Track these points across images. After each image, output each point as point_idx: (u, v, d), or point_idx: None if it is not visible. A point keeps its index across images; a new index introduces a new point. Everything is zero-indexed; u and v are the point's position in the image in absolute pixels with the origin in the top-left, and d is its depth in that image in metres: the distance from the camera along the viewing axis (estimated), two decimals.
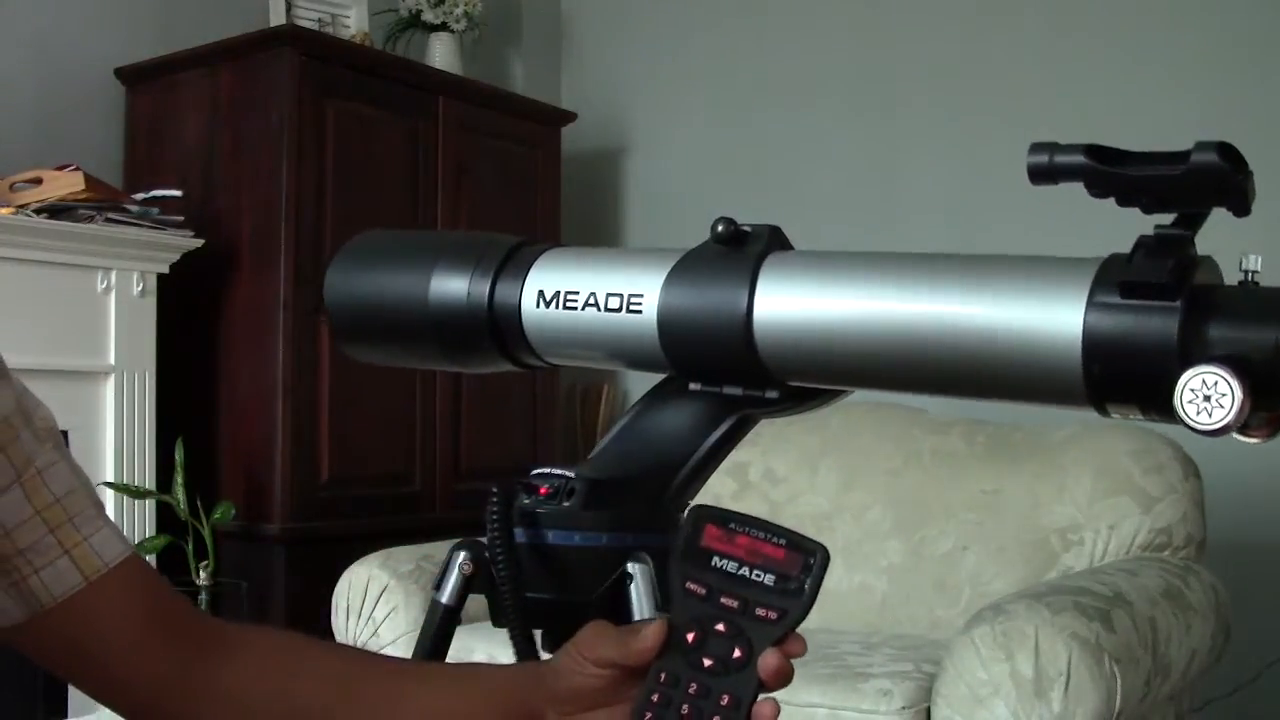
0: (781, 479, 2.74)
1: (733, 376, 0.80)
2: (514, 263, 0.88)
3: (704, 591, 0.68)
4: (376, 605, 2.43)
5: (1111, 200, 0.65)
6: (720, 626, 0.67)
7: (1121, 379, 0.62)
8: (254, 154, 2.98)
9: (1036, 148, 0.62)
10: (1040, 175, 0.62)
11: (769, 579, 0.67)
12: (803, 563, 0.67)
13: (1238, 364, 0.57)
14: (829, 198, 3.59)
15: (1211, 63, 3.13)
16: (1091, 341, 0.62)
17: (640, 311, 0.81)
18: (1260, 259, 0.61)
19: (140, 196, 2.84)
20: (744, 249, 0.79)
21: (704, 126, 3.88)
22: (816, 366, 0.78)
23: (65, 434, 2.52)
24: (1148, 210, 0.62)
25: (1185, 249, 0.62)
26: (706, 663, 0.67)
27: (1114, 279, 0.62)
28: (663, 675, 0.67)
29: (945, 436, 2.61)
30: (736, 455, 2.90)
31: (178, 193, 2.90)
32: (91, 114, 3.12)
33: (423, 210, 3.19)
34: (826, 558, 0.67)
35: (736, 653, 0.67)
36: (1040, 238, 3.30)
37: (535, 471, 0.86)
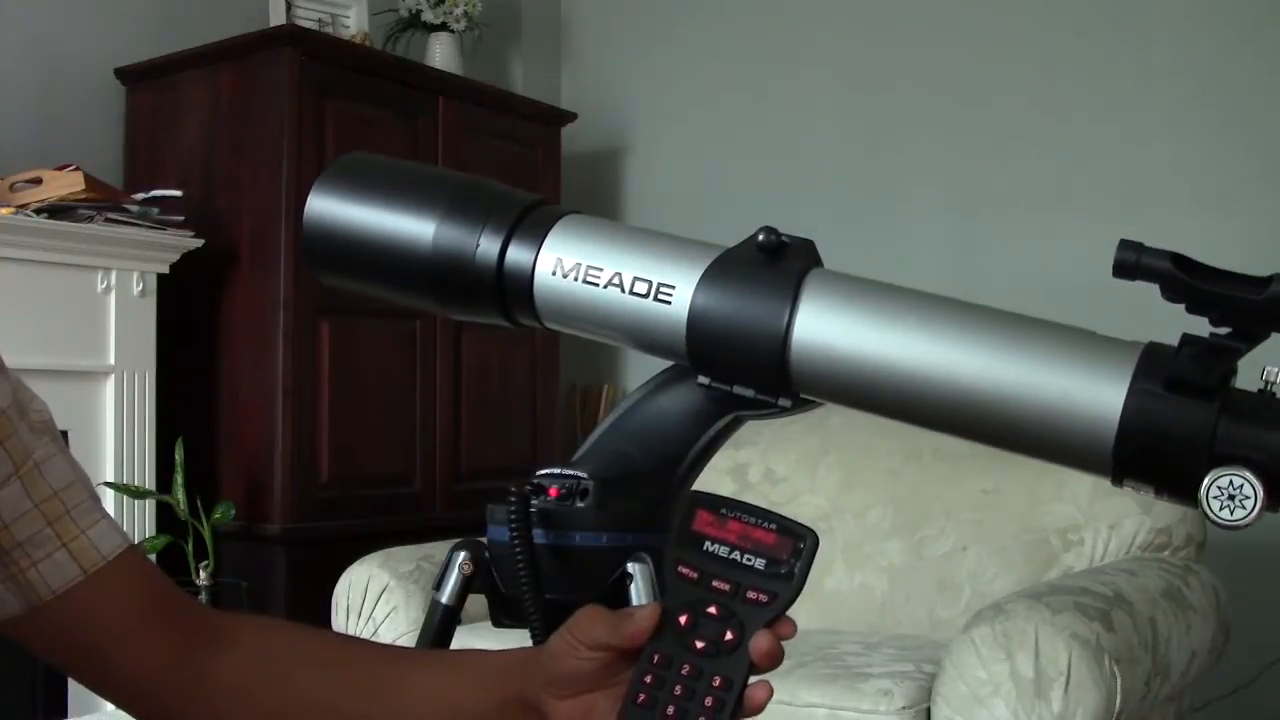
0: (781, 479, 2.74)
1: (751, 381, 0.80)
2: (529, 224, 0.85)
3: (696, 575, 0.69)
4: (376, 605, 2.44)
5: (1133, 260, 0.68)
6: (712, 609, 0.68)
7: (1150, 463, 0.67)
8: (254, 154, 2.98)
9: (1125, 245, 0.65)
10: (1124, 270, 0.66)
11: (760, 563, 0.68)
12: (793, 547, 0.68)
13: (1259, 468, 0.63)
14: (828, 197, 3.59)
15: (1210, 63, 3.13)
16: (1129, 425, 0.67)
17: (669, 303, 0.80)
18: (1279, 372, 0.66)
19: (140, 196, 2.84)
20: (784, 262, 0.79)
21: (704, 126, 3.88)
22: (844, 392, 0.78)
23: (65, 434, 2.52)
24: (1215, 324, 0.66)
25: (1233, 361, 0.66)
26: (698, 645, 0.68)
27: (1159, 371, 0.67)
28: (656, 657, 0.68)
29: (945, 436, 2.61)
30: (736, 455, 2.89)
31: (178, 193, 2.90)
32: (91, 114, 3.12)
33: None
34: (816, 542, 0.69)
35: (728, 635, 0.68)
36: (1036, 234, 3.31)
37: (542, 472, 0.86)
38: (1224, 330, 0.66)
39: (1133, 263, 0.66)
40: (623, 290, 0.81)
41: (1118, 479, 0.70)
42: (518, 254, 0.84)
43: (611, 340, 0.85)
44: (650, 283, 0.81)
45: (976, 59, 3.43)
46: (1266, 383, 0.66)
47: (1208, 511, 0.64)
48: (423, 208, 0.87)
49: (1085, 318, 2.84)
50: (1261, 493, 0.63)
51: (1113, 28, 3.27)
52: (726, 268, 0.79)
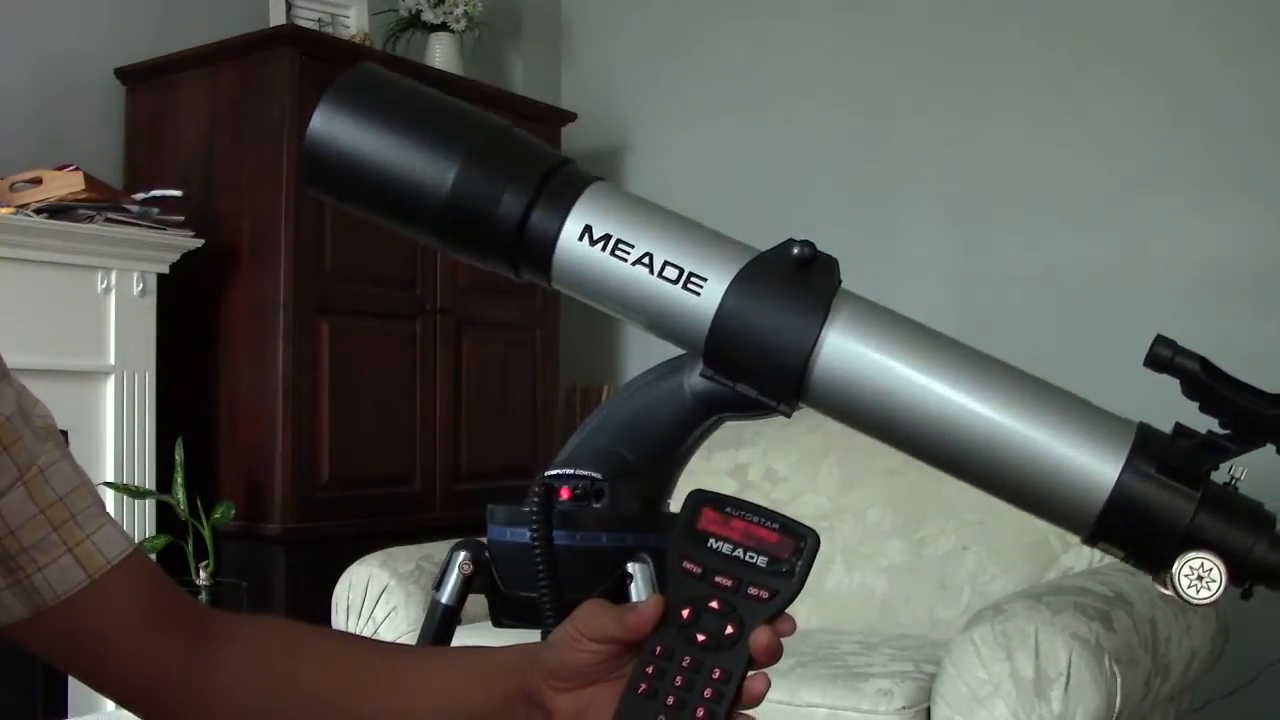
0: (782, 479, 2.75)
1: (761, 385, 0.80)
2: (555, 185, 0.82)
3: (700, 571, 0.70)
4: (376, 605, 2.44)
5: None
6: (714, 604, 0.70)
7: (1130, 534, 0.73)
8: (254, 154, 2.98)
9: (1163, 341, 0.71)
10: (1157, 363, 0.72)
11: (762, 561, 0.70)
12: (794, 546, 0.70)
13: (1224, 554, 0.70)
14: (828, 196, 3.59)
15: (1209, 64, 3.13)
16: (1118, 498, 0.73)
17: (698, 294, 0.79)
18: (1246, 471, 0.73)
19: (140, 196, 2.84)
20: (816, 276, 0.79)
21: (704, 126, 3.88)
22: (853, 414, 0.79)
23: (65, 434, 2.52)
24: (1223, 426, 0.72)
25: (1223, 459, 0.72)
26: (700, 638, 0.69)
27: (1153, 454, 0.73)
28: (658, 649, 0.70)
29: None
30: (737, 455, 2.88)
31: (178, 193, 2.90)
32: (91, 114, 3.12)
33: None
34: (817, 542, 0.70)
35: (729, 629, 0.69)
36: (1035, 236, 3.31)
37: (551, 472, 0.86)
38: (1224, 431, 0.73)
39: (1166, 359, 0.71)
40: (651, 271, 0.80)
41: (1092, 540, 0.75)
42: (544, 214, 0.82)
43: (619, 314, 0.84)
44: (681, 270, 0.80)
45: (976, 60, 3.43)
46: (1233, 477, 0.73)
47: (1178, 587, 0.70)
48: (444, 149, 0.83)
49: (1082, 318, 2.84)
50: (1225, 576, 0.70)
51: (1111, 30, 3.27)
52: (761, 271, 0.79)
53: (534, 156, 0.84)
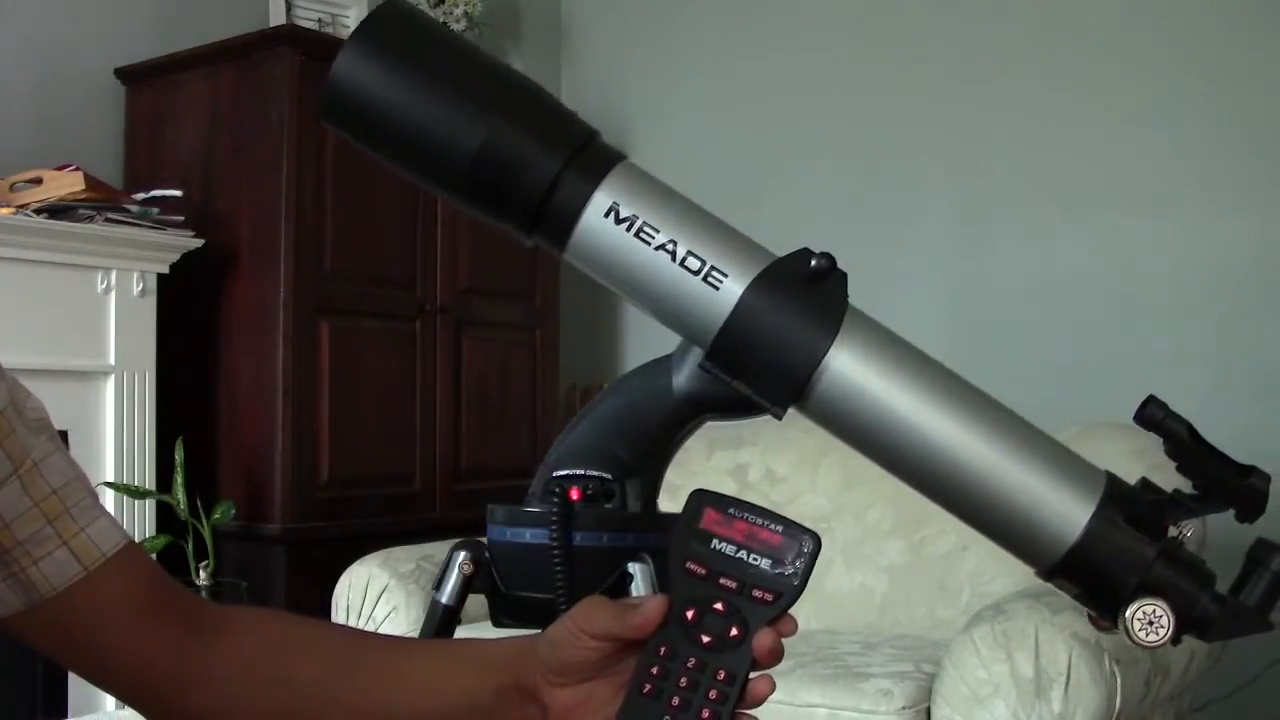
0: (781, 479, 2.74)
1: (762, 386, 0.80)
2: (585, 159, 0.81)
3: (704, 571, 0.71)
4: (376, 605, 2.44)
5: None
6: (719, 605, 0.70)
7: (1090, 574, 0.78)
8: (254, 154, 2.99)
9: (1155, 403, 0.76)
10: (1147, 423, 0.77)
11: (765, 563, 0.71)
12: (797, 548, 0.71)
13: (1173, 604, 0.76)
14: (829, 197, 3.59)
15: (1217, 64, 3.13)
16: (1084, 542, 0.77)
17: (718, 289, 0.80)
18: (1192, 530, 0.79)
19: (140, 196, 2.84)
20: (830, 288, 0.80)
21: (704, 127, 3.88)
22: (844, 428, 0.80)
23: (65, 434, 2.52)
24: (1194, 487, 0.78)
25: (1186, 517, 0.78)
26: (704, 639, 0.70)
27: (1120, 504, 0.78)
28: (662, 649, 0.70)
29: None
30: (737, 455, 2.87)
31: (178, 193, 2.90)
32: (91, 114, 3.12)
33: (423, 210, 3.20)
34: (819, 544, 0.71)
35: (733, 631, 0.70)
36: (1038, 235, 3.31)
37: (560, 473, 0.86)
38: (1193, 492, 0.78)
39: (1157, 419, 0.76)
40: (673, 259, 0.80)
41: (1049, 576, 0.79)
42: (573, 185, 0.80)
43: (628, 294, 0.83)
44: (704, 262, 0.80)
45: (980, 59, 3.43)
46: (1180, 534, 0.78)
47: (1129, 629, 0.76)
48: (476, 102, 0.81)
49: (1085, 321, 2.83)
50: (1174, 623, 0.75)
51: (1118, 27, 3.27)
52: (780, 276, 0.79)
53: (567, 123, 0.83)
